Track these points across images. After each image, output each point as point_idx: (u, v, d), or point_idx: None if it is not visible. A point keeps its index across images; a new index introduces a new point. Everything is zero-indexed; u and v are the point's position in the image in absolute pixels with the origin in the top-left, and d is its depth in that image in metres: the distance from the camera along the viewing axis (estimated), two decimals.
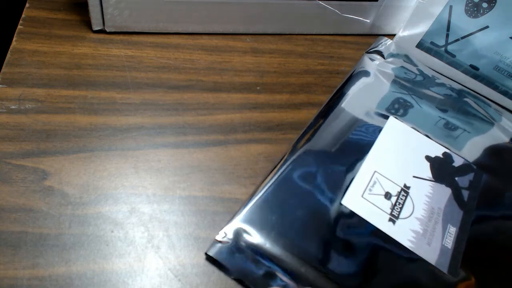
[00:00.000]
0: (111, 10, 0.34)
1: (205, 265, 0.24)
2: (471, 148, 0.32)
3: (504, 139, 0.34)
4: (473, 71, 0.39)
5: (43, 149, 0.27)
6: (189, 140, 0.30)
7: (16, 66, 0.31)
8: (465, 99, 0.37)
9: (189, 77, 0.34)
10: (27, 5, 0.36)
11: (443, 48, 0.40)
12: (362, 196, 0.27)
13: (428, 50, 0.41)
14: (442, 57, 0.40)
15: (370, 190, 0.28)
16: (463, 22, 0.37)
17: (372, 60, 0.37)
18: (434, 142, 0.32)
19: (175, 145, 0.29)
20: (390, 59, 0.38)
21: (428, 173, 0.30)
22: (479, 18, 0.36)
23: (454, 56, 0.40)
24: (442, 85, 0.38)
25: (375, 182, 0.28)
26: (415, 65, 0.39)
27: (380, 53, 0.39)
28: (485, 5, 0.35)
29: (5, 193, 0.25)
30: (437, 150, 0.31)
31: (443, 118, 0.34)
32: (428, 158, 0.31)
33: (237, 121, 0.32)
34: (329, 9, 0.39)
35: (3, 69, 0.31)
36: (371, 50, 0.39)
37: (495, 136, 0.34)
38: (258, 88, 0.35)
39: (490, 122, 0.35)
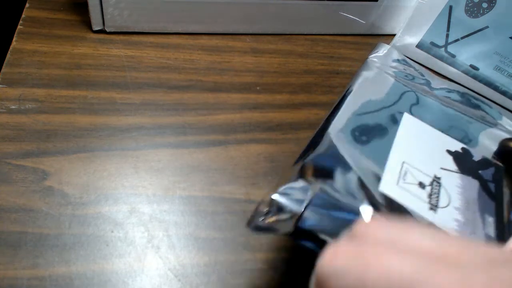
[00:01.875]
0: (111, 10, 0.34)
1: (205, 265, 0.24)
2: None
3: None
4: (473, 71, 0.39)
5: (43, 149, 0.27)
6: (189, 140, 0.30)
7: (16, 66, 0.31)
8: (467, 100, 0.37)
9: (189, 77, 0.34)
10: (27, 5, 0.36)
11: (443, 48, 0.40)
12: (397, 185, 0.26)
13: (428, 50, 0.41)
14: (442, 57, 0.40)
15: (403, 179, 0.27)
16: (463, 22, 0.37)
17: (375, 63, 0.37)
18: (451, 138, 0.31)
19: (175, 145, 0.29)
20: (393, 64, 0.38)
21: (453, 166, 0.29)
22: (479, 18, 0.36)
23: (454, 56, 0.40)
24: (444, 88, 0.38)
25: (406, 172, 0.27)
26: (416, 69, 0.39)
27: (381, 58, 0.38)
28: (485, 5, 0.35)
29: (5, 193, 0.25)
30: (455, 145, 0.31)
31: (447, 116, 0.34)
32: (449, 152, 0.30)
33: (237, 121, 0.32)
34: (329, 8, 0.39)
35: (3, 69, 0.31)
36: (372, 57, 0.39)
37: (496, 135, 0.34)
38: (258, 88, 0.35)
39: (491, 121, 0.35)
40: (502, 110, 0.38)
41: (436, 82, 0.38)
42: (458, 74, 0.40)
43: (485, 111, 0.36)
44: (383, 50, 0.39)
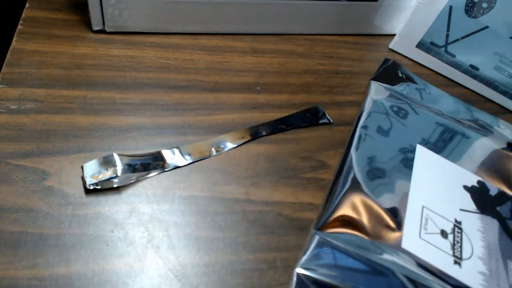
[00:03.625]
0: (111, 10, 0.34)
1: (205, 265, 0.24)
2: (470, 158, 0.32)
3: (501, 145, 0.34)
4: (473, 71, 0.39)
5: (43, 149, 0.27)
6: (189, 140, 0.30)
7: (16, 66, 0.31)
8: (463, 109, 0.37)
9: (189, 77, 0.34)
10: (27, 5, 0.36)
11: (443, 48, 0.40)
12: (420, 237, 0.25)
13: (428, 50, 0.41)
14: (442, 57, 0.40)
15: (425, 229, 0.26)
16: (463, 22, 0.37)
17: (379, 91, 0.36)
18: (466, 171, 0.30)
19: (175, 145, 0.29)
20: (398, 85, 0.37)
21: (472, 205, 0.28)
22: (479, 18, 0.36)
23: (454, 56, 0.40)
24: (445, 100, 0.37)
25: (427, 220, 0.26)
26: (417, 83, 0.39)
27: (387, 78, 0.38)
28: (485, 5, 0.35)
29: (5, 193, 0.25)
30: (471, 179, 0.30)
31: (441, 125, 0.34)
32: (466, 188, 0.29)
33: (237, 121, 0.32)
34: (329, 8, 0.39)
35: (3, 69, 0.31)
36: (378, 77, 0.38)
37: (491, 143, 0.34)
38: (258, 88, 0.35)
39: (486, 131, 0.35)
40: (497, 117, 0.37)
41: (441, 94, 0.38)
42: (458, 74, 0.40)
43: (481, 120, 0.36)
44: (387, 68, 0.38)
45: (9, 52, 0.32)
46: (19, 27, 0.34)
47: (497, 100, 0.39)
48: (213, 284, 0.24)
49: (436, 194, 0.28)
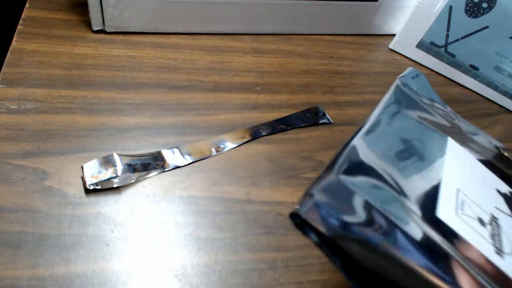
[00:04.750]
0: (111, 10, 0.34)
1: (205, 265, 0.24)
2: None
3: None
4: (473, 71, 0.39)
5: (43, 149, 0.27)
6: (189, 140, 0.30)
7: (16, 66, 0.31)
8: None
9: (189, 77, 0.34)
10: (27, 5, 0.36)
11: (443, 48, 0.40)
12: (456, 214, 0.22)
13: (428, 50, 0.41)
14: (442, 57, 0.40)
15: (461, 209, 0.23)
16: (463, 22, 0.37)
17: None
18: (496, 177, 0.28)
19: (175, 145, 0.29)
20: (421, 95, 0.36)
21: (507, 209, 0.26)
22: (479, 18, 0.36)
23: (454, 56, 0.40)
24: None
25: (463, 203, 0.24)
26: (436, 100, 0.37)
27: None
28: (485, 5, 0.35)
29: (5, 193, 0.25)
30: (503, 187, 0.28)
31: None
32: (499, 192, 0.27)
33: (237, 121, 0.32)
34: (329, 8, 0.39)
35: (3, 69, 0.31)
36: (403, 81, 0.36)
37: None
38: (258, 88, 0.35)
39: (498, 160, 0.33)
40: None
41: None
42: (458, 74, 0.40)
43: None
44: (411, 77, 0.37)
45: (9, 52, 0.32)
46: (19, 27, 0.34)
47: (497, 100, 0.39)
48: (213, 284, 0.24)
49: (469, 185, 0.25)
